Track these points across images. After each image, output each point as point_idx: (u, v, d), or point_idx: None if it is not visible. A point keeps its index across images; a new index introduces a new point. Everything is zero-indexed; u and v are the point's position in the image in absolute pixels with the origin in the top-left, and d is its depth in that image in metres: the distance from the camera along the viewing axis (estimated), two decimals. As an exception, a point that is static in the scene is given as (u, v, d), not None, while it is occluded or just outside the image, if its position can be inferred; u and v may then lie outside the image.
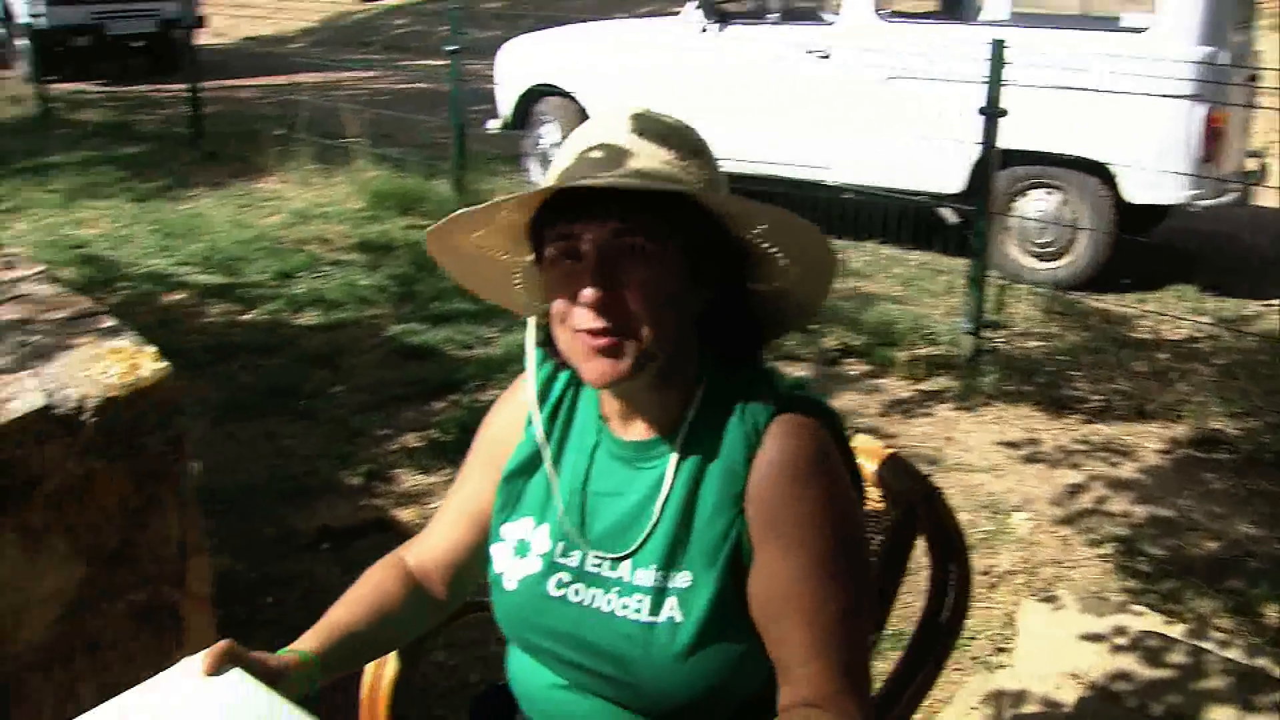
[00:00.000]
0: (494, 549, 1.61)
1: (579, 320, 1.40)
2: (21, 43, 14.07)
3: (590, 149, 1.41)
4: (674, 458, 1.48)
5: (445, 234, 1.52)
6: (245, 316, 5.78)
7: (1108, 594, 3.41)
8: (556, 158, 1.46)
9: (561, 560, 1.54)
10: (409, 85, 13.02)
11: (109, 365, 2.38)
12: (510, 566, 1.58)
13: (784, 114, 6.93)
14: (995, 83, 5.04)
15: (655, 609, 1.44)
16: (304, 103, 9.50)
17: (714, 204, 1.42)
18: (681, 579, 1.44)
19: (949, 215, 6.44)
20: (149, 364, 2.39)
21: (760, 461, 1.42)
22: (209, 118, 10.19)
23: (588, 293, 1.38)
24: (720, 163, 1.47)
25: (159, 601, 2.50)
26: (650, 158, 1.39)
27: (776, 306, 1.54)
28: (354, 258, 6.69)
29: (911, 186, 6.44)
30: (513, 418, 1.65)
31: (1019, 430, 4.61)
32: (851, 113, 6.67)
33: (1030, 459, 4.39)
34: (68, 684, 2.39)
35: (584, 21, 8.81)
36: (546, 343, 1.55)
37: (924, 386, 5.04)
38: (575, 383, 1.61)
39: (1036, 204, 6.29)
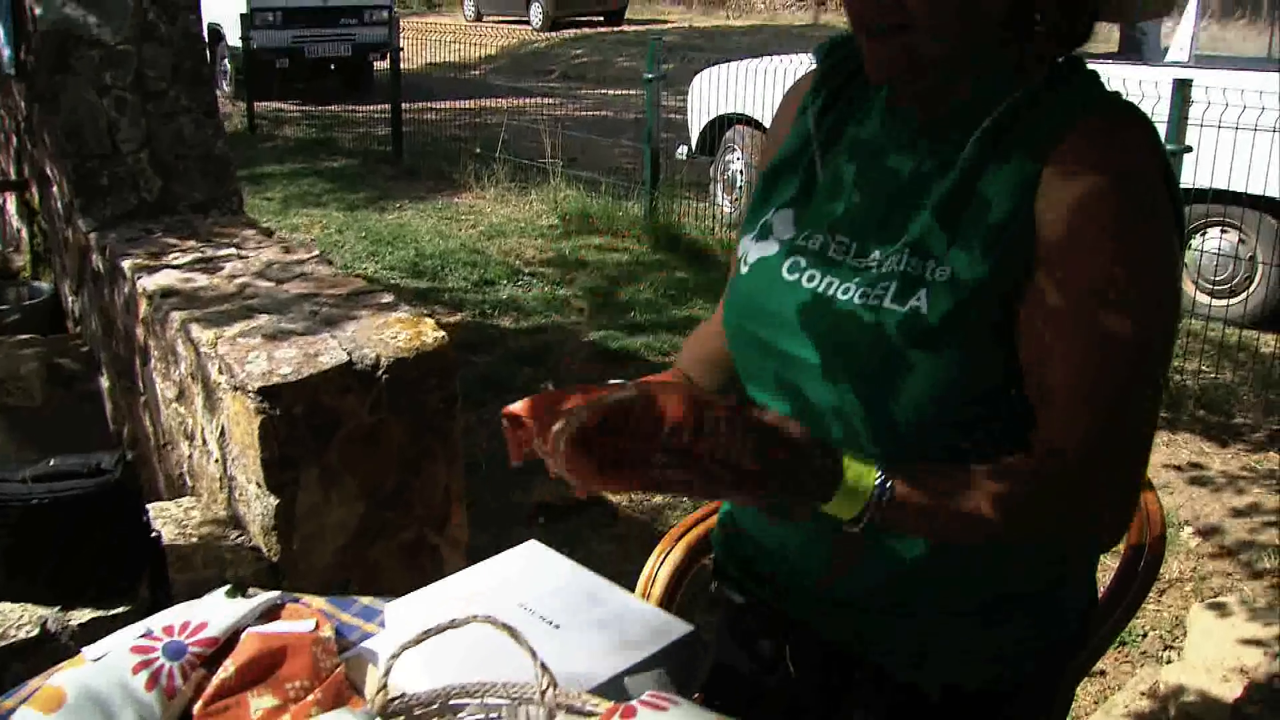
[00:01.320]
0: (742, 237, 1.49)
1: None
2: (227, 64, 14.95)
3: None
4: (967, 141, 1.28)
5: None
6: (451, 319, 6.19)
7: (1276, 604, 3.58)
8: None
9: (803, 243, 1.39)
10: (590, 113, 13.49)
11: (397, 330, 2.75)
12: (750, 248, 1.45)
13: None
14: (1176, 122, 5.23)
15: (901, 297, 1.26)
16: (503, 125, 9.99)
17: None
18: (940, 272, 1.25)
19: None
20: (430, 331, 2.76)
21: (1064, 156, 1.22)
22: (405, 136, 10.76)
23: None
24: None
25: (423, 542, 2.85)
26: None
27: None
28: (549, 271, 7.08)
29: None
30: (786, 112, 1.53)
31: (1187, 454, 4.77)
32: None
33: (1197, 480, 4.55)
34: (345, 607, 2.77)
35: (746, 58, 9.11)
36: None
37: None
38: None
39: (1212, 242, 6.39)
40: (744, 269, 1.45)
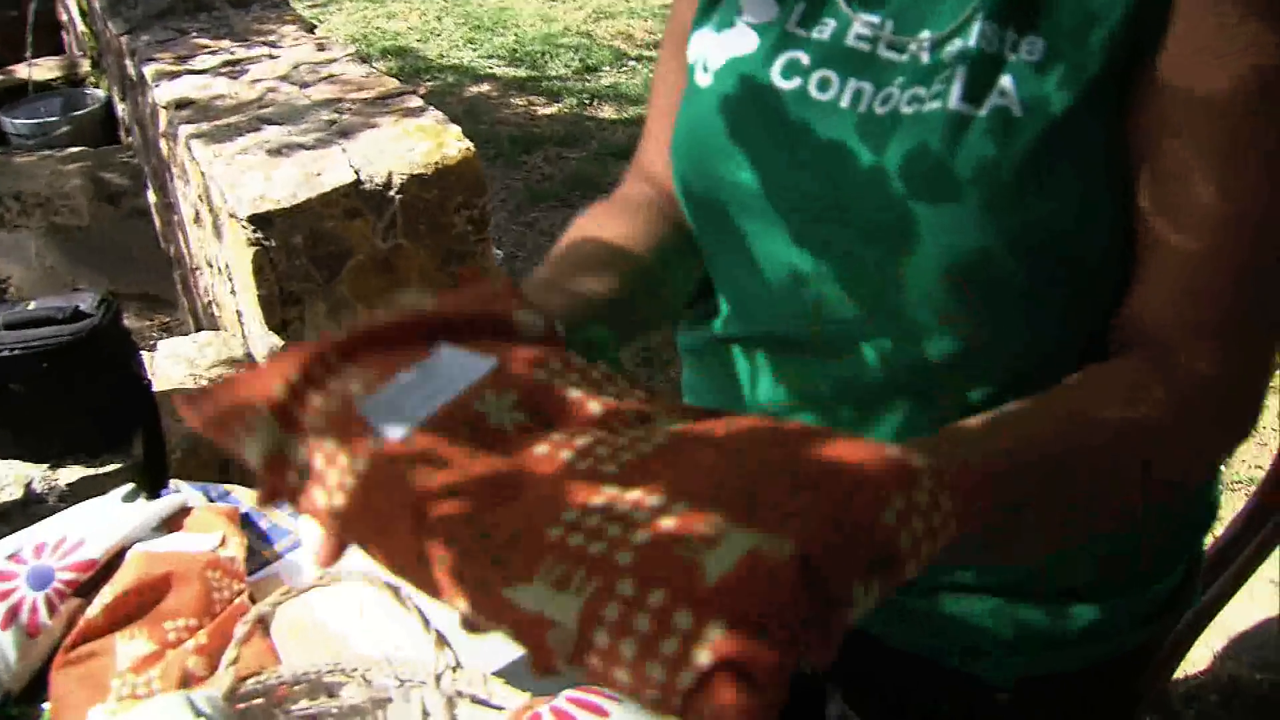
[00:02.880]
0: (694, 33, 0.99)
1: None
2: None
3: None
4: None
5: None
6: (548, 110, 5.78)
7: None
8: None
9: (799, 29, 0.91)
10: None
11: (415, 143, 2.38)
12: (710, 47, 0.96)
13: None
14: None
15: (973, 94, 0.80)
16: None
17: None
18: (1027, 47, 0.80)
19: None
20: (454, 143, 2.38)
21: None
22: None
23: None
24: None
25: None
26: None
27: None
28: (657, 54, 6.57)
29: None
30: None
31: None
32: None
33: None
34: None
35: None
36: None
37: None
38: None
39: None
40: (704, 79, 0.96)
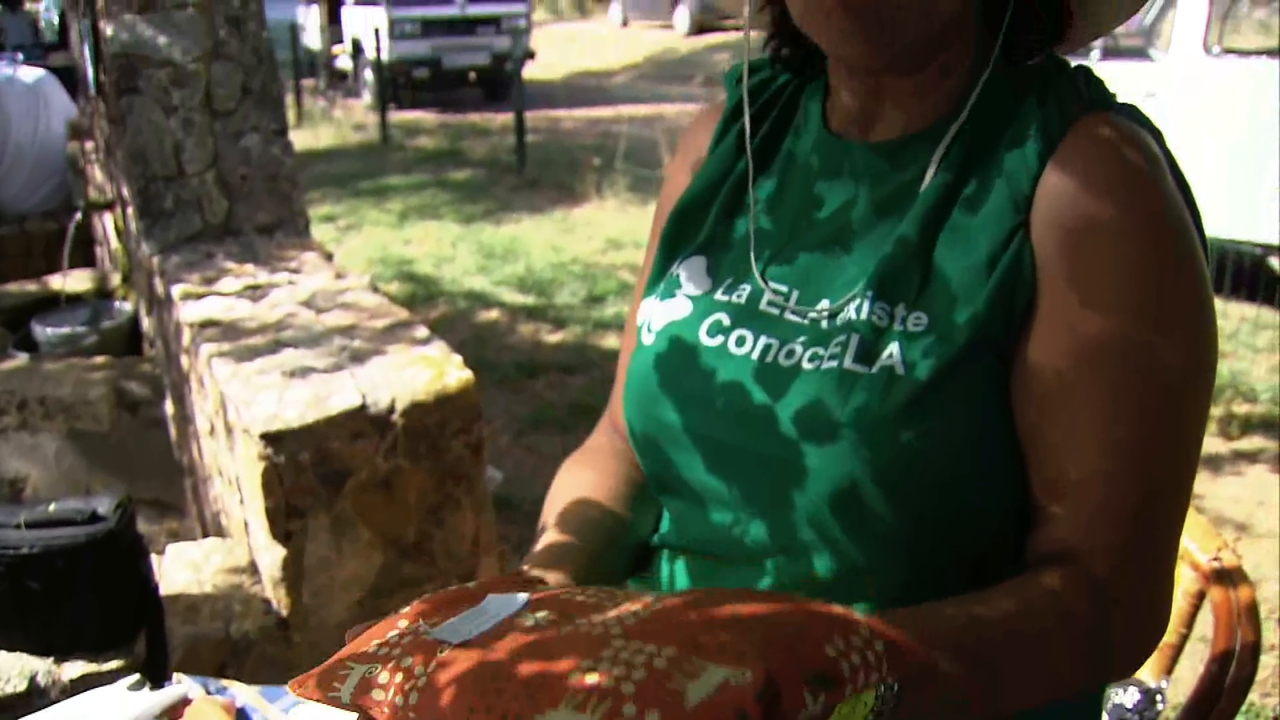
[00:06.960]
0: (644, 300, 1.20)
1: None
2: (367, 74, 15.14)
3: None
4: (933, 157, 1.04)
5: None
6: (553, 337, 6.04)
7: None
8: None
9: (724, 296, 1.10)
10: (726, 120, 13.23)
11: (418, 372, 2.57)
12: (654, 313, 1.16)
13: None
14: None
15: (866, 357, 0.97)
16: (622, 134, 9.82)
17: None
18: (914, 320, 0.98)
19: (1281, 266, 6.05)
20: (455, 372, 2.57)
21: (1060, 162, 0.97)
22: (532, 146, 10.67)
23: None
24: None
25: (450, 594, 2.66)
26: None
27: None
28: (661, 286, 6.85)
29: (1237, 235, 6.10)
30: (690, 150, 1.26)
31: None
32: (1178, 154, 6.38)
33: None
34: (365, 663, 2.60)
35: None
36: (776, 50, 1.22)
37: (1237, 446, 4.78)
38: (797, 85, 1.21)
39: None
40: (647, 338, 1.14)
